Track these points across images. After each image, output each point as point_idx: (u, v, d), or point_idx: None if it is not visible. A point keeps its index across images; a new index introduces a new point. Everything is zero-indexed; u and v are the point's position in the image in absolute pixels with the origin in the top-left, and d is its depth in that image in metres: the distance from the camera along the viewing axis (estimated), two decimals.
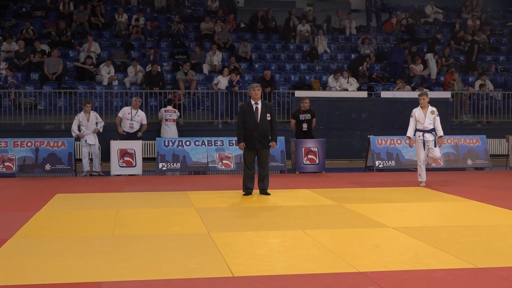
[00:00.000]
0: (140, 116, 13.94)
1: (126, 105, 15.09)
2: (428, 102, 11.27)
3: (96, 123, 13.69)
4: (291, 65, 20.22)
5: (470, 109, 18.61)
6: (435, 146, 11.26)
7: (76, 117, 13.78)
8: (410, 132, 11.28)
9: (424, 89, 17.98)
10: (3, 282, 4.95)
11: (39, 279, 5.05)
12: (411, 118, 11.29)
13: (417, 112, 11.24)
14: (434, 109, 11.31)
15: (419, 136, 11.24)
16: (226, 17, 21.92)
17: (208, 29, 20.89)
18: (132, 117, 13.80)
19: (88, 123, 13.60)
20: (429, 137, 11.20)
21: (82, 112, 13.72)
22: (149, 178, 13.35)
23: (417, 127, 11.26)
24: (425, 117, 11.15)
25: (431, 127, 11.19)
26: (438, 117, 11.29)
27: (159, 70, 17.64)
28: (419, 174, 11.40)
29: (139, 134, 13.90)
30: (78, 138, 13.94)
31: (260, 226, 7.39)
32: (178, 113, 16.10)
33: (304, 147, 14.03)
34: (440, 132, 11.24)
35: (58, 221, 7.82)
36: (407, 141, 11.49)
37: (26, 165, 13.55)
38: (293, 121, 14.35)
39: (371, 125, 17.09)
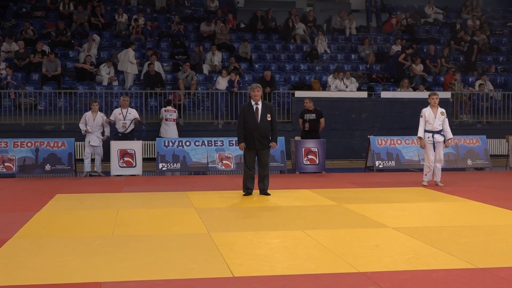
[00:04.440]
0: (132, 114, 13.98)
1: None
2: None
3: (103, 133, 13.68)
4: (291, 65, 20.22)
5: (470, 109, 18.62)
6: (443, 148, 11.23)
7: (83, 115, 13.82)
8: (420, 132, 11.11)
9: (424, 89, 18.03)
10: (3, 282, 4.95)
11: (39, 279, 5.05)
12: (420, 118, 11.13)
13: (427, 112, 11.10)
14: (444, 110, 11.23)
15: (428, 137, 11.10)
16: (225, 18, 21.92)
17: (209, 31, 20.88)
18: (124, 116, 13.83)
19: (93, 122, 13.62)
20: (438, 138, 11.10)
21: (90, 112, 13.74)
22: (149, 179, 13.35)
23: (426, 128, 11.13)
24: (435, 117, 11.05)
25: (440, 128, 11.10)
26: (447, 119, 11.23)
27: (161, 70, 17.68)
28: (425, 175, 11.32)
29: (135, 139, 13.97)
30: (80, 139, 13.95)
31: (260, 227, 7.39)
32: (177, 113, 16.09)
33: (304, 147, 14.03)
34: (449, 134, 11.17)
35: (58, 221, 7.82)
36: (418, 142, 11.33)
37: (26, 166, 13.55)
38: (300, 120, 14.35)
39: (371, 125, 17.08)
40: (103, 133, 13.81)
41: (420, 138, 11.16)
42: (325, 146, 14.15)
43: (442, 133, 11.15)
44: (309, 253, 5.91)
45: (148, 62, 17.69)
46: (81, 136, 13.89)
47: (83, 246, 6.23)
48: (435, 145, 11.12)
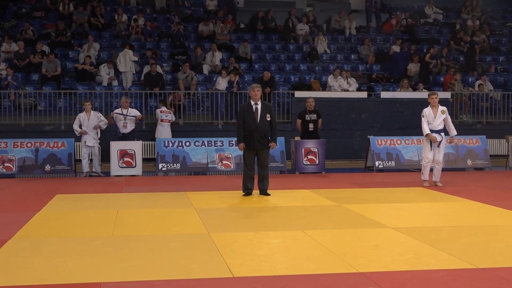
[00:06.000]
0: (133, 113, 13.96)
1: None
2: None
3: (100, 126, 13.68)
4: (291, 65, 20.22)
5: (470, 109, 18.62)
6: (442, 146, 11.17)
7: (77, 116, 13.80)
8: (426, 130, 10.97)
9: (423, 88, 18.02)
10: (3, 282, 4.95)
11: (39, 279, 5.05)
12: (422, 118, 11.04)
13: (427, 111, 11.06)
14: (445, 108, 11.16)
15: (427, 136, 11.09)
16: (225, 18, 21.92)
17: (208, 31, 20.87)
18: (125, 116, 13.81)
19: (88, 122, 13.59)
20: (437, 138, 11.07)
21: (84, 112, 13.73)
22: (149, 179, 13.35)
23: None
24: (435, 117, 11.00)
25: (441, 127, 11.04)
26: (449, 116, 11.17)
27: (160, 71, 17.66)
28: (422, 173, 11.34)
29: (135, 139, 13.96)
30: (78, 139, 13.94)
31: (260, 227, 7.39)
32: (173, 115, 15.96)
33: (304, 148, 14.02)
34: (453, 131, 11.13)
35: (58, 222, 7.82)
36: (426, 139, 11.08)
37: (26, 166, 13.54)
38: (299, 121, 14.30)
39: (371, 125, 17.08)
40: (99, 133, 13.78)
41: (427, 134, 11.03)
42: (324, 146, 14.15)
43: (441, 133, 11.12)
44: (309, 253, 5.91)
45: (151, 63, 17.63)
46: (80, 137, 13.86)
47: (83, 246, 6.23)
48: (433, 144, 11.11)
